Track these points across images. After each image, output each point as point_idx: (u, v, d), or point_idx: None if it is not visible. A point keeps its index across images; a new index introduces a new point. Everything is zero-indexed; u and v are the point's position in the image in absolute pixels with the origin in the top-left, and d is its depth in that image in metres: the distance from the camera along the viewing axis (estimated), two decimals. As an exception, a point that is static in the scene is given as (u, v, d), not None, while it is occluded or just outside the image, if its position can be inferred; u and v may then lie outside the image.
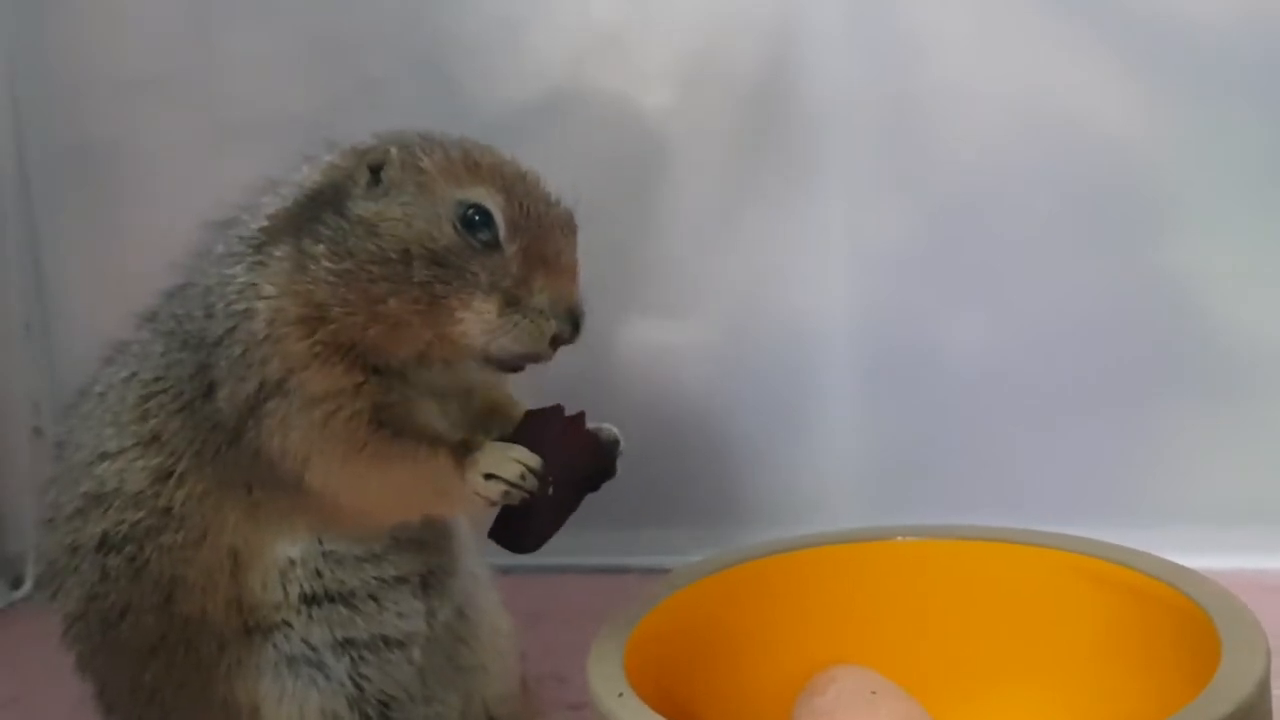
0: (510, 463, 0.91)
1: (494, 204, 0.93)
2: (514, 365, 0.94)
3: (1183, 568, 1.00)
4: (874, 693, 0.94)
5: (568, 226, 0.97)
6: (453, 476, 0.92)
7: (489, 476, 0.91)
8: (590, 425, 0.99)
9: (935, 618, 1.06)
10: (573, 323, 0.92)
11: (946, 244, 1.47)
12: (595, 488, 0.98)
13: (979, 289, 1.47)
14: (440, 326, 0.92)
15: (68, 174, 1.60)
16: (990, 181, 1.46)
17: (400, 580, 1.02)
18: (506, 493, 0.91)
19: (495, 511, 0.95)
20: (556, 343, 0.92)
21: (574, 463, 0.95)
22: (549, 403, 0.99)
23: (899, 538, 1.08)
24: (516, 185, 0.95)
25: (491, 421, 1.02)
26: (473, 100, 1.47)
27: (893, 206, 1.48)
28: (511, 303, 0.91)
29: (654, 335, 1.53)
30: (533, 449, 0.92)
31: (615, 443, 1.00)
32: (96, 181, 1.59)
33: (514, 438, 0.95)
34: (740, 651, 1.04)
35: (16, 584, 1.59)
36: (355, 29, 1.50)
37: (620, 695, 0.84)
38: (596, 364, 1.49)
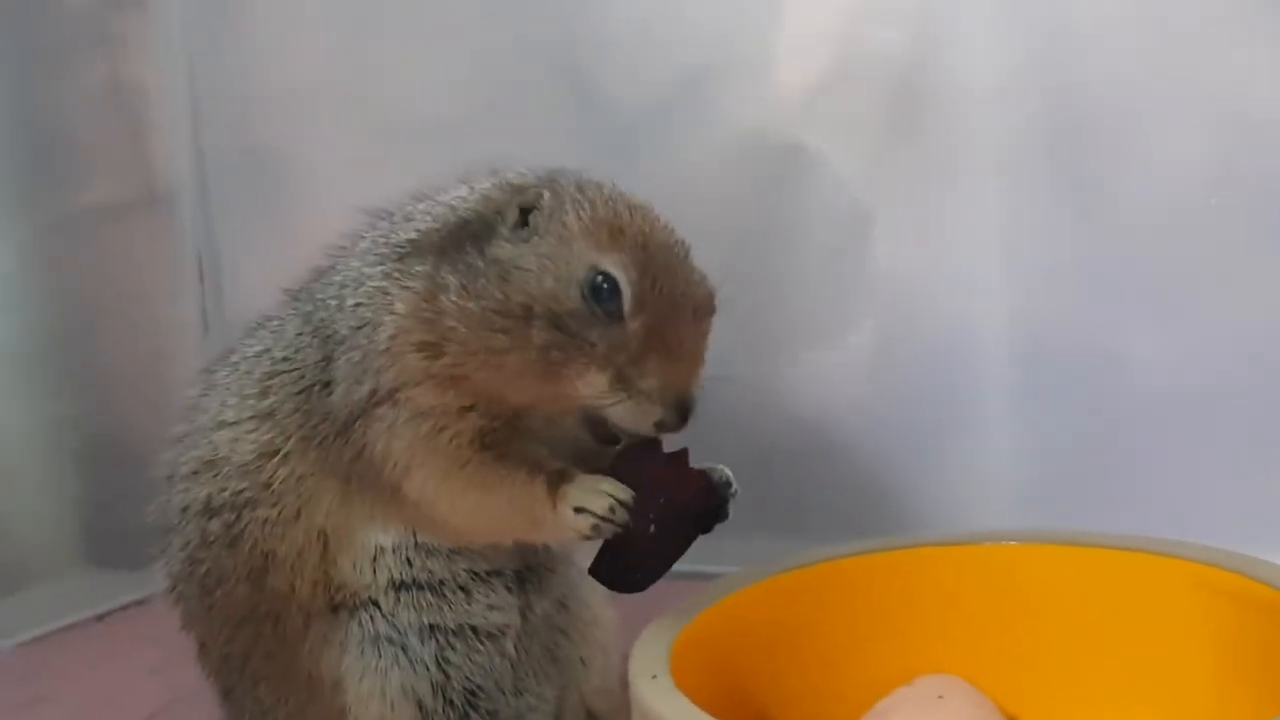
0: (599, 495, 0.90)
1: (625, 277, 0.91)
2: (613, 437, 0.92)
3: (1317, 582, 0.91)
4: (941, 696, 0.89)
5: (701, 309, 0.94)
6: (546, 507, 0.92)
7: (579, 510, 0.90)
8: (703, 466, 0.96)
9: (1040, 629, 1.01)
10: (680, 413, 0.90)
11: (1113, 249, 1.38)
12: (707, 529, 0.95)
13: (1149, 298, 1.37)
14: (552, 387, 0.91)
15: (243, 178, 1.68)
16: (1165, 182, 1.36)
17: (494, 574, 1.02)
18: (596, 527, 0.90)
19: (596, 546, 0.94)
20: (660, 429, 0.90)
21: (675, 500, 0.92)
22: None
23: (1005, 542, 1.03)
24: (657, 258, 0.93)
25: (599, 457, 1.01)
26: (612, 100, 1.48)
27: (1053, 208, 1.40)
28: (622, 380, 0.90)
29: (799, 338, 1.49)
30: (630, 483, 0.90)
31: (727, 484, 0.97)
32: (269, 185, 1.66)
33: (610, 471, 0.93)
34: (826, 652, 1.00)
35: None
36: (500, 37, 1.53)
37: (654, 678, 0.82)
38: (743, 367, 1.47)
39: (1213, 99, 1.33)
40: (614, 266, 0.91)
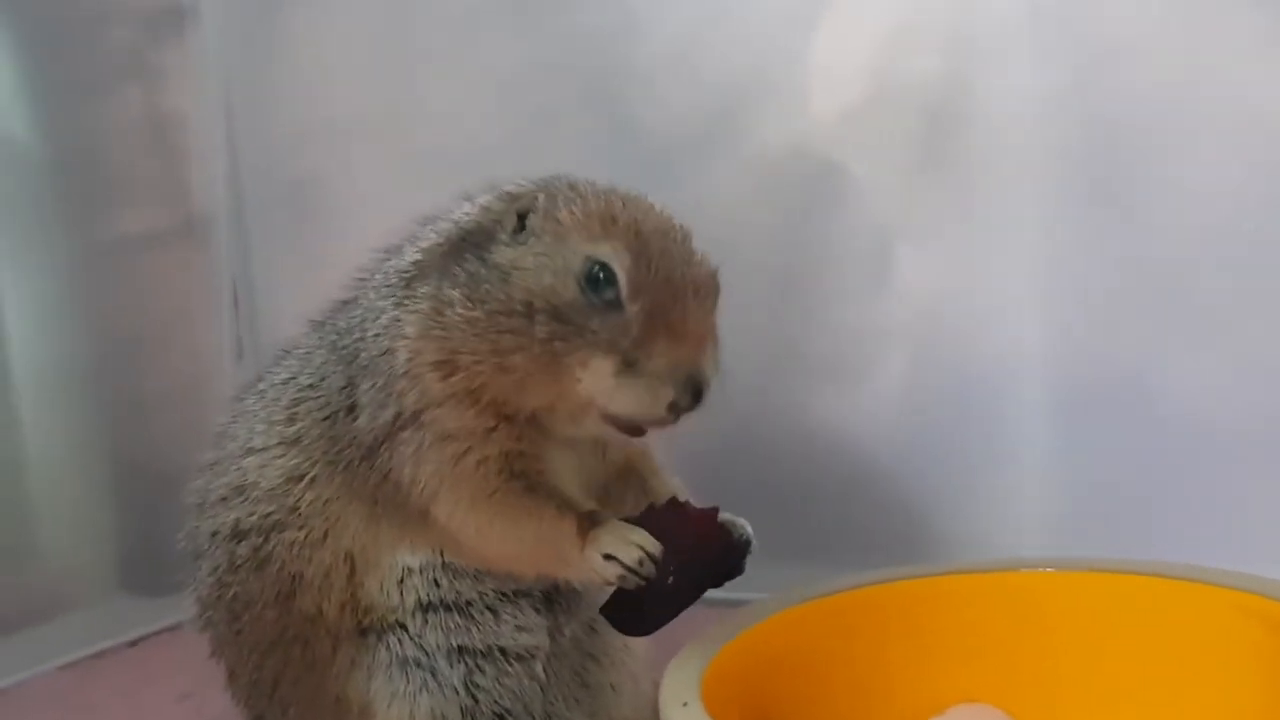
0: (631, 547, 0.90)
1: (619, 262, 0.91)
2: (633, 428, 0.92)
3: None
4: (972, 727, 0.88)
5: (702, 290, 0.94)
6: (574, 546, 0.92)
7: (608, 557, 0.90)
8: (726, 519, 0.96)
9: (1074, 657, 1.00)
10: (692, 391, 0.89)
11: (1148, 276, 1.36)
12: (718, 584, 0.95)
13: (1184, 326, 1.35)
14: (561, 383, 0.91)
15: (278, 207, 1.70)
16: (1202, 208, 1.34)
17: (522, 594, 1.02)
18: (623, 576, 0.90)
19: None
20: (674, 410, 0.89)
21: (698, 558, 0.92)
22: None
23: (1038, 569, 1.02)
24: (652, 243, 0.93)
25: (627, 479, 1.02)
26: (646, 127, 1.48)
27: (1088, 235, 1.38)
28: (629, 364, 0.89)
29: (831, 363, 1.48)
30: (658, 536, 0.90)
31: (747, 543, 0.97)
32: (305, 213, 1.68)
33: (641, 520, 0.93)
34: (858, 680, 0.99)
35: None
36: (535, 66, 1.53)
37: (685, 705, 0.81)
38: (771, 398, 1.46)
39: (1249, 124, 1.31)
40: (607, 254, 0.91)
